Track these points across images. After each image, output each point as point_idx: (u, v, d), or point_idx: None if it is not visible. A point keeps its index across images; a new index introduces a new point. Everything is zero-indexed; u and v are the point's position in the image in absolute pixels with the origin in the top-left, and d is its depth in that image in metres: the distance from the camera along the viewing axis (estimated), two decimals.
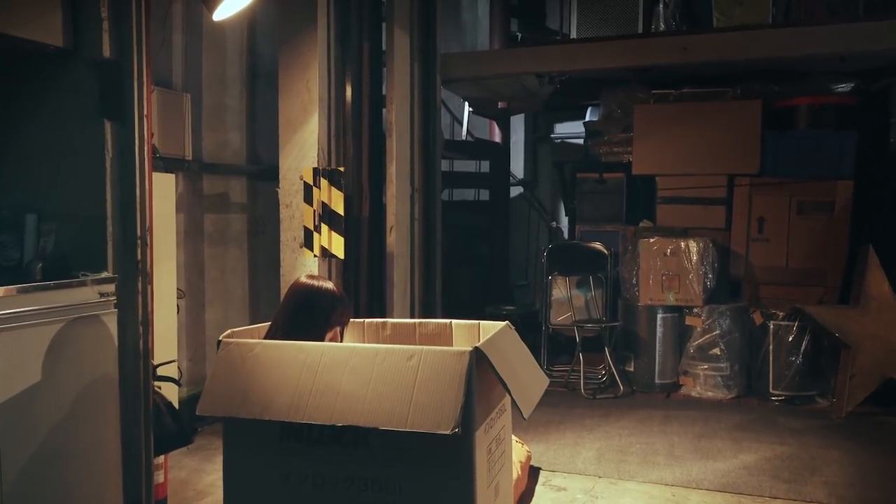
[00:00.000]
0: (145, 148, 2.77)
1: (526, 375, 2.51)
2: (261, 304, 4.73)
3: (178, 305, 3.89)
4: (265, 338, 2.59)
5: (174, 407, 2.97)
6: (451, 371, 2.18)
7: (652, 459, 3.81)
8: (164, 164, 3.81)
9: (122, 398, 2.73)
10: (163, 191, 3.71)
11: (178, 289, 3.90)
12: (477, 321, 2.76)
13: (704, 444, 4.06)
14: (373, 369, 2.25)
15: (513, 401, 2.27)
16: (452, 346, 2.81)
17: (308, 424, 2.27)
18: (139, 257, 2.75)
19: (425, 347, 2.23)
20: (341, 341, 2.67)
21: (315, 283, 2.55)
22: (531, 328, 6.02)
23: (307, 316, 2.52)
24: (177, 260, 4.11)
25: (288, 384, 2.31)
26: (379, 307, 4.62)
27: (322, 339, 2.54)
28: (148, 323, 2.82)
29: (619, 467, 3.70)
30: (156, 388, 2.93)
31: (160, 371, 3.07)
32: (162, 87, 3.93)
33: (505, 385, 2.26)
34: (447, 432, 2.10)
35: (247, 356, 2.40)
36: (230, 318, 4.59)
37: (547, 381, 2.70)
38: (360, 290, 4.37)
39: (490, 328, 2.74)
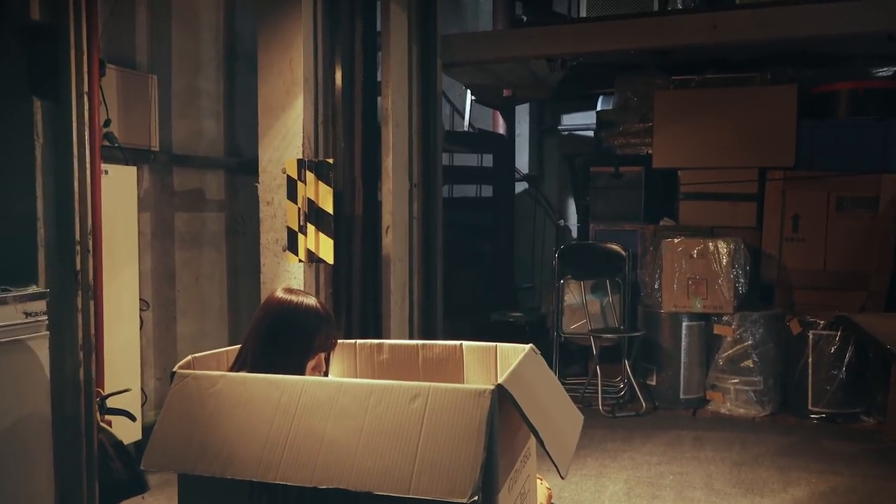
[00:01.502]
0: (86, 133, 2.25)
1: (559, 417, 2.00)
2: (241, 314, 4.22)
3: (141, 319, 3.38)
4: (232, 368, 2.08)
5: (125, 448, 2.45)
6: (467, 417, 1.68)
7: (689, 495, 3.31)
8: (125, 154, 3.30)
9: (58, 440, 2.21)
10: (122, 186, 3.20)
11: (141, 300, 3.38)
12: (493, 343, 2.25)
13: (746, 474, 3.56)
14: (366, 413, 1.74)
15: (547, 453, 1.76)
16: (463, 373, 2.30)
17: (283, 485, 1.77)
18: (78, 266, 2.23)
19: (433, 385, 1.72)
20: (327, 370, 2.16)
21: (294, 298, 2.04)
22: (539, 335, 5.52)
23: (284, 340, 2.02)
24: (142, 266, 3.60)
25: (258, 431, 1.80)
26: (374, 318, 4.11)
27: (302, 370, 2.03)
28: (91, 347, 2.31)
29: None
30: (104, 425, 2.42)
31: (112, 402, 2.56)
32: (123, 67, 3.41)
33: (538, 434, 1.75)
34: (464, 501, 1.59)
35: (206, 394, 1.89)
36: (206, 330, 4.07)
37: (581, 418, 2.20)
38: (352, 299, 3.85)
39: (510, 353, 2.24)
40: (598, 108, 6.06)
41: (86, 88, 2.25)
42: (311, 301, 2.05)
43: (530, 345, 2.12)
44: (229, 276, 4.25)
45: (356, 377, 2.37)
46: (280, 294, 2.06)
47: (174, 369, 1.94)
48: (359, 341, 2.37)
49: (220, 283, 4.20)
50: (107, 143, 3.20)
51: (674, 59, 5.27)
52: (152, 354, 3.70)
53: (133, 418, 2.54)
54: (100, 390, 2.48)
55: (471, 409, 1.67)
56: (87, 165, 2.27)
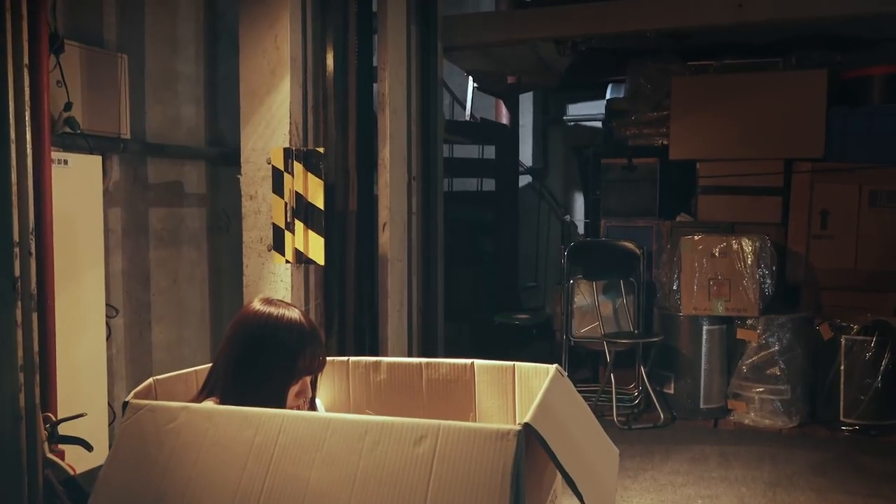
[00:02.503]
0: (26, 114, 1.88)
1: (595, 457, 1.65)
2: (225, 320, 3.85)
3: (109, 326, 3.02)
4: (199, 394, 1.72)
5: (77, 485, 2.09)
6: (487, 465, 1.33)
7: None
8: (90, 142, 2.93)
9: None
10: (85, 177, 2.84)
11: (109, 305, 3.02)
12: (511, 363, 1.90)
13: (781, 497, 3.22)
14: (360, 458, 1.39)
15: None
16: (475, 397, 1.95)
17: None
18: (17, 272, 1.87)
19: (444, 423, 1.37)
20: (313, 396, 1.80)
21: (273, 311, 1.69)
22: (546, 338, 5.18)
23: (262, 362, 1.66)
24: (111, 267, 3.24)
25: (226, 480, 1.46)
26: (370, 323, 3.76)
27: (284, 397, 1.67)
28: (35, 367, 1.95)
29: None
30: (52, 458, 2.06)
31: (64, 429, 2.20)
32: (87, 45, 3.03)
33: (575, 486, 1.41)
34: None
35: (164, 431, 1.54)
36: (186, 337, 3.71)
37: (617, 454, 1.86)
38: (345, 304, 3.49)
39: (530, 374, 1.89)
40: (608, 96, 5.71)
41: (26, 61, 1.89)
42: (294, 314, 1.69)
43: (555, 365, 1.78)
44: (211, 278, 3.89)
45: (349, 402, 2.01)
46: (257, 306, 1.70)
47: (127, 398, 1.59)
48: (352, 359, 2.02)
49: (202, 285, 3.83)
50: (67, 130, 2.84)
51: (690, 44, 4.92)
52: (124, 365, 3.34)
53: (89, 448, 2.18)
54: (50, 415, 2.12)
55: (492, 455, 1.32)
56: (29, 152, 1.91)
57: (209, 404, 1.63)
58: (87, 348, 2.82)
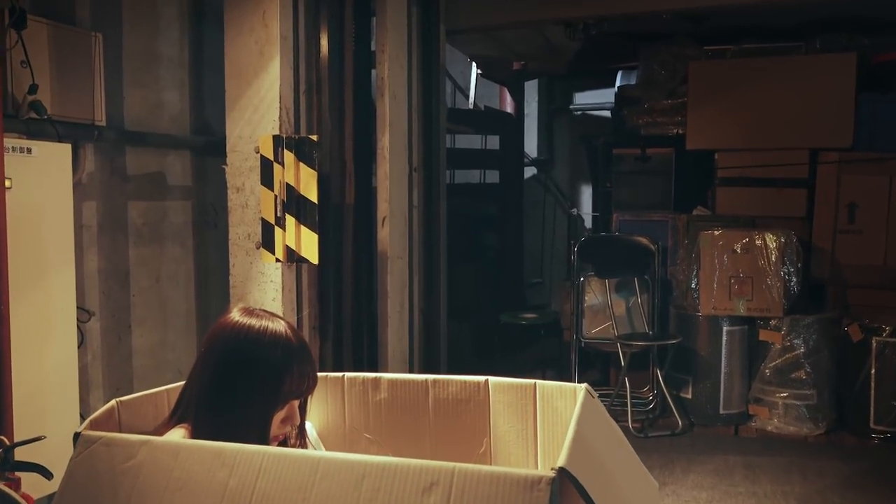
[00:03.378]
0: None
1: (635, 496, 1.39)
2: (212, 322, 3.56)
3: (81, 331, 2.75)
4: (168, 421, 1.45)
5: None
6: None
7: None
8: (59, 129, 2.66)
9: None
10: (53, 168, 2.57)
11: (81, 309, 2.76)
12: (532, 381, 1.63)
13: None
14: None
15: None
16: (489, 420, 1.68)
17: None
18: None
19: (459, 467, 1.10)
20: (302, 422, 1.53)
21: (254, 323, 1.42)
22: (554, 338, 4.92)
23: (241, 384, 1.39)
24: (85, 266, 2.97)
25: None
26: (369, 326, 3.49)
27: (266, 425, 1.40)
28: None
29: None
30: (4, 489, 1.79)
31: (22, 453, 1.93)
32: (56, 22, 2.76)
33: None
34: None
35: (121, 471, 1.27)
36: (169, 340, 3.44)
37: (657, 488, 1.59)
38: (342, 306, 3.23)
39: (554, 394, 1.62)
40: (618, 83, 5.44)
41: None
42: (280, 326, 1.42)
43: (584, 385, 1.50)
44: (198, 277, 3.61)
45: (344, 425, 1.74)
46: (235, 317, 1.43)
47: (78, 429, 1.32)
48: (348, 375, 1.75)
49: (187, 284, 3.56)
50: (33, 115, 2.57)
51: (706, 27, 4.65)
52: (100, 373, 3.07)
53: (49, 475, 1.91)
54: (3, 439, 1.85)
55: None
56: None
57: (177, 436, 1.36)
58: (55, 358, 2.56)
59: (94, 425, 1.38)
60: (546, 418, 1.59)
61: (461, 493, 1.07)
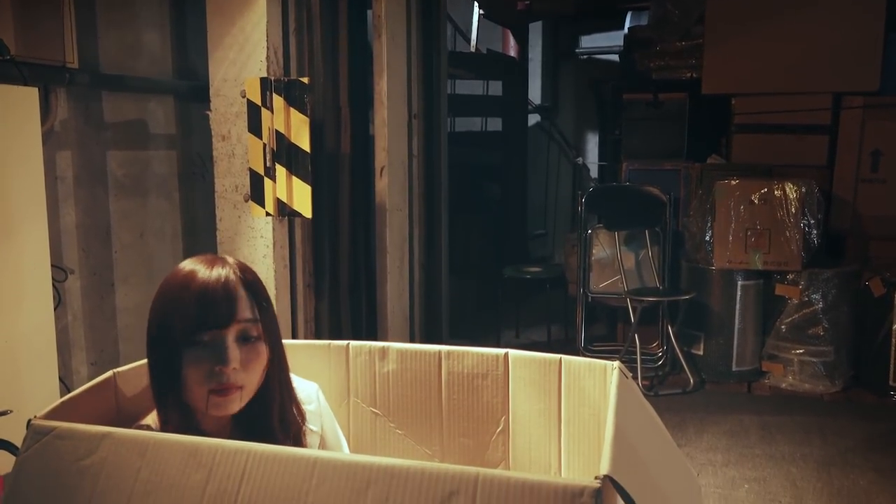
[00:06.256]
0: None
1: (678, 495, 1.21)
2: None
3: (58, 290, 2.56)
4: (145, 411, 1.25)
5: None
6: None
7: None
8: (25, 72, 2.41)
9: None
10: (18, 113, 2.33)
11: (57, 267, 2.56)
12: (557, 356, 1.44)
13: (839, 480, 2.83)
14: None
15: None
16: (509, 399, 1.50)
17: None
18: None
19: (484, 473, 0.91)
20: (285, 373, 1.26)
21: (178, 268, 1.15)
22: (559, 292, 4.75)
23: (163, 354, 1.14)
24: (62, 221, 2.76)
25: None
26: (368, 282, 3.31)
27: (177, 379, 1.10)
28: None
29: None
30: None
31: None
32: None
33: None
34: None
35: (78, 470, 1.09)
36: None
37: (698, 484, 1.42)
38: (338, 262, 3.03)
39: (582, 371, 1.43)
40: (628, 25, 5.16)
41: None
42: (191, 267, 1.12)
43: (617, 363, 1.31)
44: (185, 231, 3.41)
45: (348, 399, 1.56)
46: (182, 265, 1.16)
47: (33, 418, 1.12)
48: (352, 343, 1.55)
49: (174, 239, 3.35)
50: None
51: None
52: (82, 334, 2.89)
53: (15, 451, 1.74)
54: None
55: None
56: None
57: (146, 426, 1.17)
58: (29, 320, 2.36)
59: (81, 402, 1.19)
60: (572, 398, 1.40)
61: None
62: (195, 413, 1.13)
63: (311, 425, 1.28)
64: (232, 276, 1.11)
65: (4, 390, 2.22)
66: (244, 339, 1.10)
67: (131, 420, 1.23)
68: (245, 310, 1.11)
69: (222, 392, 1.09)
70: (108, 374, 1.24)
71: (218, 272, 1.11)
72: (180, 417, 1.13)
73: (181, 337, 1.08)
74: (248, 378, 1.11)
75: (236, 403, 1.11)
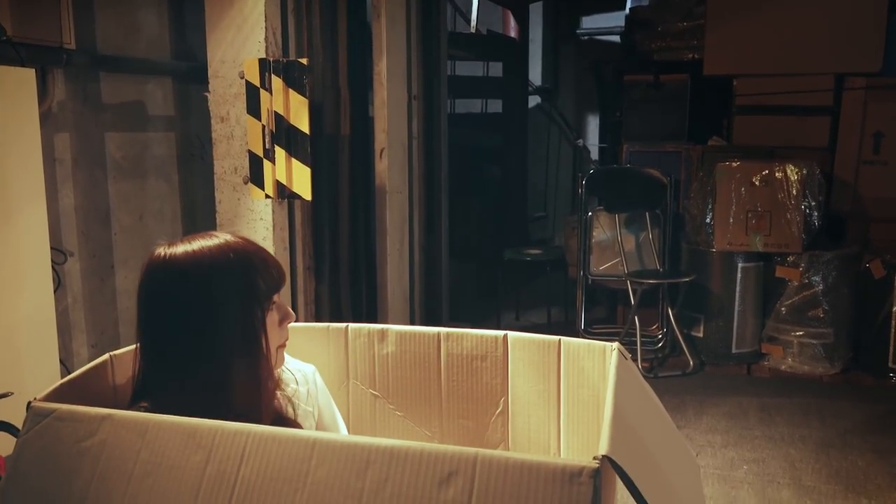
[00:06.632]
0: None
1: (677, 477, 1.22)
2: None
3: (57, 273, 2.56)
4: (135, 391, 1.24)
5: None
6: None
7: (774, 496, 2.58)
8: (22, 53, 2.40)
9: None
10: (15, 95, 2.32)
11: (56, 250, 2.55)
12: (557, 337, 1.43)
13: (837, 461, 2.84)
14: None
15: None
16: (508, 380, 1.50)
17: None
18: None
19: (482, 454, 0.91)
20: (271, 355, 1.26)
21: (177, 250, 1.09)
22: (559, 274, 4.75)
23: (170, 330, 1.13)
24: (60, 203, 2.76)
25: None
26: (367, 264, 3.31)
27: (257, 342, 1.10)
28: None
29: None
30: None
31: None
32: None
33: None
34: None
35: (78, 452, 1.08)
36: None
37: (697, 466, 1.43)
38: (338, 244, 3.03)
39: (581, 352, 1.43)
40: (629, 5, 5.11)
41: None
42: (201, 244, 1.09)
43: (616, 344, 1.32)
44: (185, 213, 3.40)
45: (347, 381, 1.56)
46: (158, 248, 1.11)
47: (33, 400, 1.12)
48: (351, 326, 1.55)
49: (173, 221, 3.35)
50: None
51: None
52: (82, 316, 2.89)
53: (16, 432, 1.75)
54: None
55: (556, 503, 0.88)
56: None
57: (143, 407, 1.17)
58: (30, 303, 2.36)
59: (79, 384, 1.19)
60: (571, 379, 1.41)
61: (485, 486, 0.89)
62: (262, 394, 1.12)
63: (306, 406, 1.28)
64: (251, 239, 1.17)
65: (5, 373, 2.23)
66: None
67: (126, 403, 1.23)
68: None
69: (283, 346, 1.18)
70: (105, 357, 1.24)
71: (243, 238, 1.15)
72: (213, 396, 1.09)
73: (262, 301, 1.10)
74: None
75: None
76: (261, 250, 1.14)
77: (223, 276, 1.08)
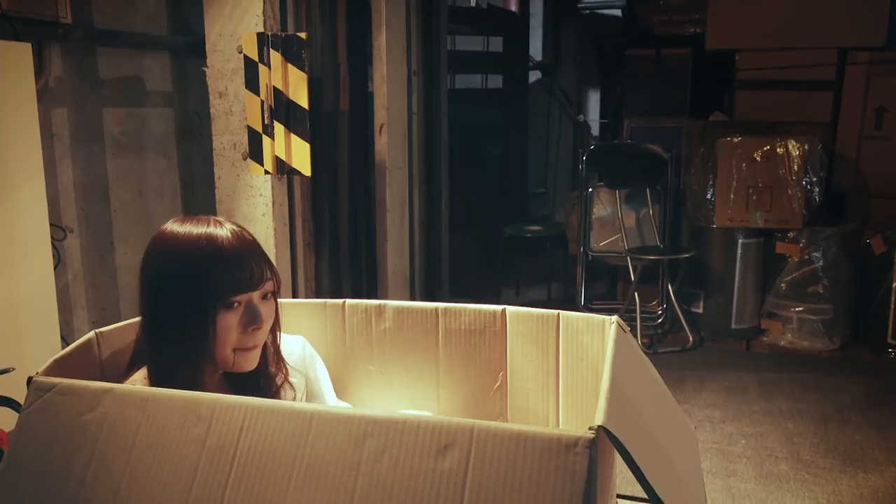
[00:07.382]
0: None
1: (676, 450, 1.22)
2: None
3: (57, 249, 2.56)
4: (131, 362, 1.26)
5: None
6: (545, 492, 0.90)
7: (773, 469, 2.60)
8: (18, 27, 2.38)
9: None
10: (12, 69, 2.30)
11: (55, 226, 2.55)
12: (555, 311, 1.44)
13: (835, 436, 2.86)
14: (357, 475, 0.96)
15: None
16: (506, 354, 1.50)
17: None
18: None
19: (479, 425, 0.92)
20: (274, 333, 1.27)
21: (176, 228, 1.15)
22: (560, 251, 4.75)
23: (167, 306, 1.15)
24: (60, 179, 2.75)
25: (166, 498, 1.02)
26: (367, 241, 3.30)
27: (206, 336, 1.12)
28: None
29: (729, 488, 2.49)
30: None
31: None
32: None
33: (657, 498, 0.97)
34: None
35: (80, 424, 1.09)
36: None
37: (696, 439, 1.44)
38: (338, 221, 3.02)
39: (579, 326, 1.43)
40: None
41: None
42: (201, 229, 1.13)
43: (615, 318, 1.32)
44: (184, 189, 3.39)
45: (345, 355, 1.57)
46: (168, 227, 1.16)
47: (34, 375, 1.13)
48: (348, 302, 1.55)
49: (173, 197, 3.34)
50: None
51: None
52: (83, 293, 2.90)
53: (18, 407, 1.76)
54: None
55: (553, 476, 0.88)
56: None
57: (138, 378, 1.18)
58: (30, 279, 2.37)
59: (74, 357, 1.19)
60: (570, 353, 1.41)
61: (482, 457, 0.89)
62: (202, 369, 1.14)
63: (292, 378, 1.29)
64: (248, 237, 1.14)
65: (6, 348, 2.24)
66: (264, 297, 1.15)
67: (114, 379, 1.23)
68: (267, 270, 1.15)
69: (246, 349, 1.14)
70: (91, 334, 1.24)
71: (234, 233, 1.13)
72: (186, 373, 1.13)
73: (214, 297, 1.10)
74: (266, 334, 1.17)
75: (256, 358, 1.16)
76: (243, 250, 1.11)
77: (186, 263, 1.10)
